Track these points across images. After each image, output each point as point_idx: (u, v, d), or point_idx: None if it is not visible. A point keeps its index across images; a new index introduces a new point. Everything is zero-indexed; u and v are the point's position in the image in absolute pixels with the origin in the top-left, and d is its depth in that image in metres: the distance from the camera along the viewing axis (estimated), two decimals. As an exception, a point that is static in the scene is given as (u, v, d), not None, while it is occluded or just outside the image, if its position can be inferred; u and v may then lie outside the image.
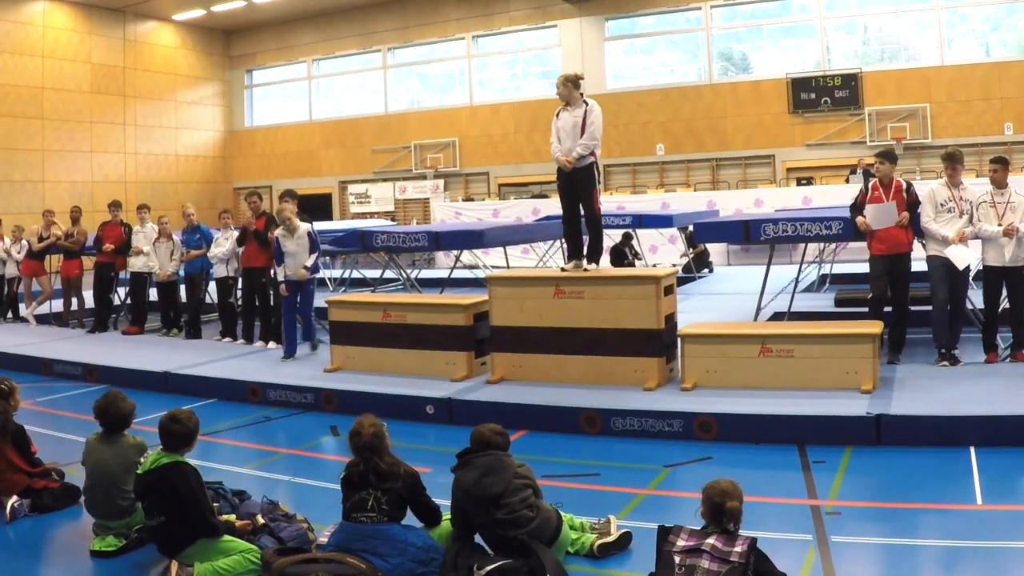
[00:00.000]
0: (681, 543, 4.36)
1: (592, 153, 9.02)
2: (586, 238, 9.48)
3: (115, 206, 15.04)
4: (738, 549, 4.26)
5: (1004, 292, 9.25)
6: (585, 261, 9.34)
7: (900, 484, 6.47)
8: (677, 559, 4.30)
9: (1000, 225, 8.98)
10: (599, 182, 9.26)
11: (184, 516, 5.10)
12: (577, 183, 9.11)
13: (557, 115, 9.20)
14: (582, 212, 9.29)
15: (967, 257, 9.14)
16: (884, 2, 25.76)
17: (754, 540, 4.32)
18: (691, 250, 20.19)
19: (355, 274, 20.69)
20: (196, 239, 13.86)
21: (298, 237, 11.33)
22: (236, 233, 12.88)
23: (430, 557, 4.96)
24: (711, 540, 4.31)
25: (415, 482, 5.10)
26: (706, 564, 4.23)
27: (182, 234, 14.16)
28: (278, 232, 11.41)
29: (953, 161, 9.36)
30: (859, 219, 9.49)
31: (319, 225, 13.34)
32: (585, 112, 8.95)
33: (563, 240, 9.78)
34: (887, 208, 9.35)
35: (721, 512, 4.39)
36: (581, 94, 9.10)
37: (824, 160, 25.85)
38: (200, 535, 5.11)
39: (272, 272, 12.28)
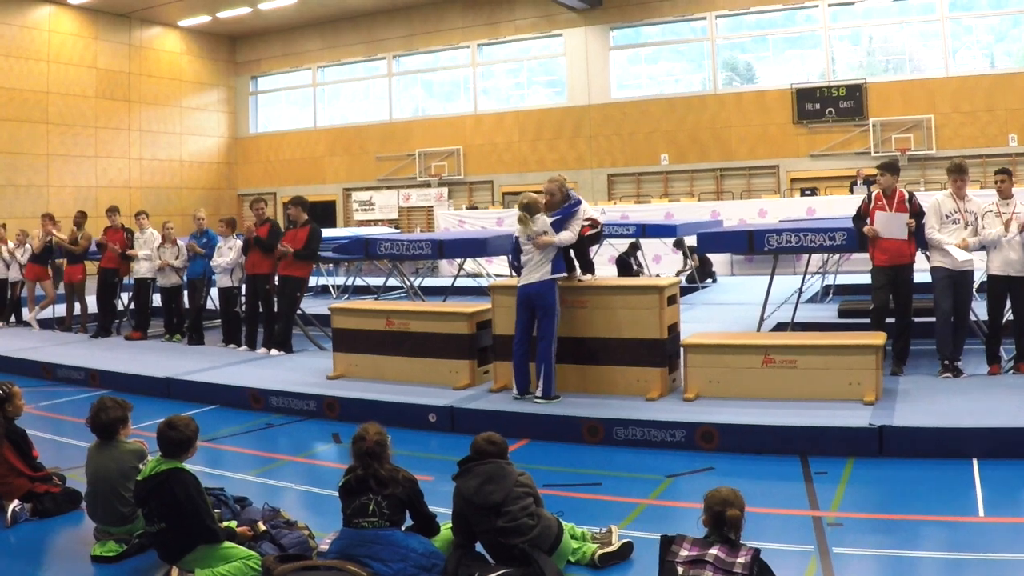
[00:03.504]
0: (684, 553, 4.35)
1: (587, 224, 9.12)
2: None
3: (113, 211, 15.09)
4: (741, 560, 4.25)
5: (1008, 304, 9.25)
6: (579, 272, 9.30)
7: (902, 496, 6.46)
8: (680, 570, 4.29)
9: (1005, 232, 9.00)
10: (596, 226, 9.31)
11: (184, 522, 5.10)
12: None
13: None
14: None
15: (967, 256, 9.11)
16: (889, 13, 25.80)
17: (757, 551, 4.31)
18: (689, 263, 20.14)
19: (358, 281, 20.75)
20: (203, 243, 13.88)
21: (538, 232, 8.74)
22: (240, 242, 12.87)
23: (431, 563, 4.97)
24: (714, 551, 4.30)
25: (414, 487, 5.10)
26: (710, 574, 4.23)
27: (190, 238, 14.18)
28: (518, 230, 8.93)
29: (959, 172, 9.34)
30: (867, 227, 9.47)
31: (323, 232, 13.32)
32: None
33: None
34: (897, 218, 9.32)
35: (722, 520, 4.37)
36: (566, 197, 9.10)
37: (828, 171, 25.85)
38: (200, 541, 5.11)
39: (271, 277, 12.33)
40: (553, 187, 9.10)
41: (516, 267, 9.02)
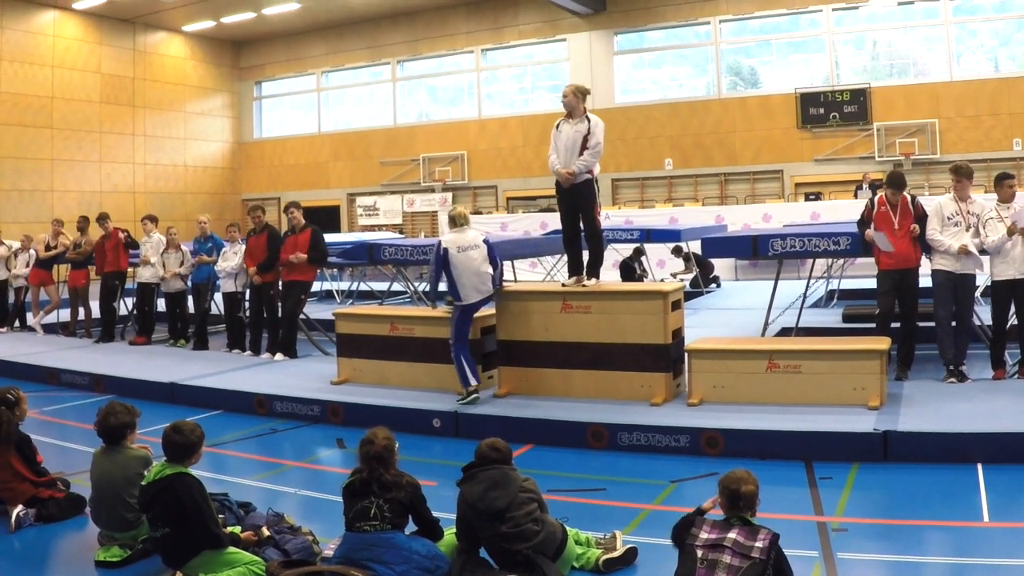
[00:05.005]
0: (704, 536, 4.45)
1: (590, 170, 9.05)
2: (586, 252, 9.48)
3: (104, 218, 15.09)
4: (759, 544, 4.34)
5: (1012, 308, 9.22)
6: (585, 276, 9.33)
7: (907, 501, 6.45)
8: (699, 553, 4.39)
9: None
10: (599, 197, 9.29)
11: (188, 527, 5.10)
12: (577, 198, 9.12)
13: (558, 126, 9.21)
14: (582, 227, 9.31)
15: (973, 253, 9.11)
16: (893, 17, 25.80)
17: (776, 536, 4.38)
18: (688, 268, 20.13)
19: (363, 286, 20.73)
20: (208, 248, 13.89)
21: (473, 245, 9.12)
22: (244, 247, 12.86)
23: (435, 565, 4.97)
24: (733, 534, 4.40)
25: (416, 492, 5.11)
26: (728, 559, 4.32)
27: (194, 243, 14.20)
28: (445, 240, 9.11)
29: (961, 174, 9.32)
30: (868, 232, 9.45)
31: (327, 237, 13.32)
32: (588, 129, 8.94)
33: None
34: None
35: (738, 497, 4.49)
36: (585, 108, 9.08)
37: (832, 175, 25.85)
38: (204, 546, 5.11)
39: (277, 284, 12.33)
40: (567, 91, 9.17)
41: (445, 281, 9.07)
